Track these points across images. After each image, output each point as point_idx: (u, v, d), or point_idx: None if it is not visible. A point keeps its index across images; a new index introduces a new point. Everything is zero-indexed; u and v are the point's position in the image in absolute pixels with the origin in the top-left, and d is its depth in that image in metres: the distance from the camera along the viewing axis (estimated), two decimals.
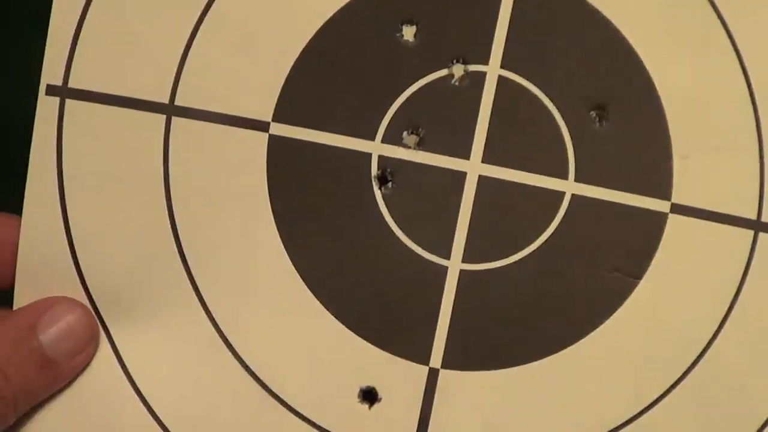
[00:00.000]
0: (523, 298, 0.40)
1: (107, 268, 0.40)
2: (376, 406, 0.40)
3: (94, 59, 0.40)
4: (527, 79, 0.40)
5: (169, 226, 0.40)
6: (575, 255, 0.40)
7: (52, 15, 0.40)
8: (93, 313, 0.40)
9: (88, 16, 0.40)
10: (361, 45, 0.40)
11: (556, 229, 0.40)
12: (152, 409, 0.40)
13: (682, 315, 0.40)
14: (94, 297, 0.40)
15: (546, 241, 0.40)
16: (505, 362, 0.40)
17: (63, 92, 0.40)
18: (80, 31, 0.39)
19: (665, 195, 0.40)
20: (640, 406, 0.40)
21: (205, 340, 0.40)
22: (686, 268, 0.40)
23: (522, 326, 0.40)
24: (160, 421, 0.40)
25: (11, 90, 0.46)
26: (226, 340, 0.40)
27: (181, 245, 0.40)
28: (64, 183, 0.40)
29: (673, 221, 0.40)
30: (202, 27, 0.40)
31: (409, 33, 0.40)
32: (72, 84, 0.40)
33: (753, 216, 0.40)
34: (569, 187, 0.40)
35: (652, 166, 0.40)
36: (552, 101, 0.40)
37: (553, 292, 0.40)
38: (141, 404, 0.40)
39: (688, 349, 0.40)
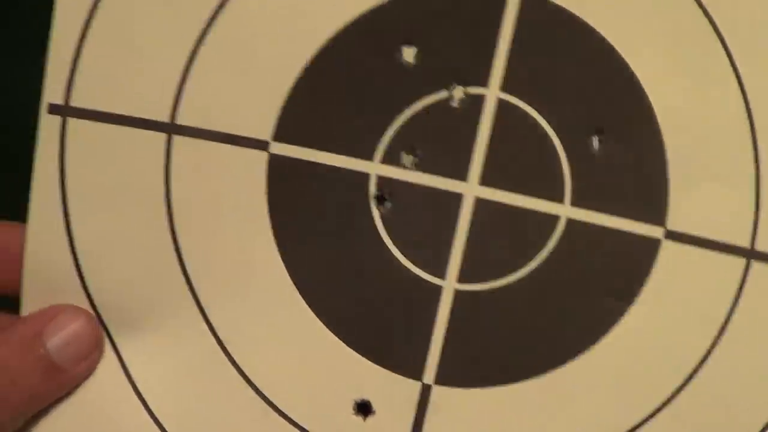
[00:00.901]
0: (517, 318, 0.41)
1: (111, 281, 0.41)
2: (370, 418, 0.41)
3: (95, 78, 0.40)
4: (526, 102, 0.40)
5: (171, 241, 0.41)
6: (569, 278, 0.41)
7: (52, 33, 0.40)
8: (97, 321, 0.41)
9: (88, 34, 0.40)
10: (360, 65, 0.40)
11: (551, 252, 0.41)
12: (156, 417, 0.41)
13: (672, 339, 0.41)
14: (98, 308, 0.41)
15: (541, 263, 0.41)
16: (497, 380, 0.41)
17: (65, 111, 0.40)
18: (81, 50, 0.39)
19: (660, 221, 0.40)
20: (628, 425, 0.41)
21: (207, 351, 0.41)
22: (678, 293, 0.41)
23: (514, 346, 0.41)
24: (164, 428, 0.41)
25: (11, 86, 0.46)
26: (227, 352, 0.41)
27: (182, 259, 0.41)
28: (68, 198, 0.40)
29: (667, 247, 0.41)
30: (202, 46, 0.40)
31: (408, 54, 0.40)
32: (73, 103, 0.40)
33: (746, 244, 0.40)
34: (565, 211, 0.40)
35: (648, 192, 0.40)
36: (550, 125, 0.40)
37: (547, 314, 0.41)
38: (145, 412, 0.41)
39: (676, 372, 0.41)
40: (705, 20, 0.40)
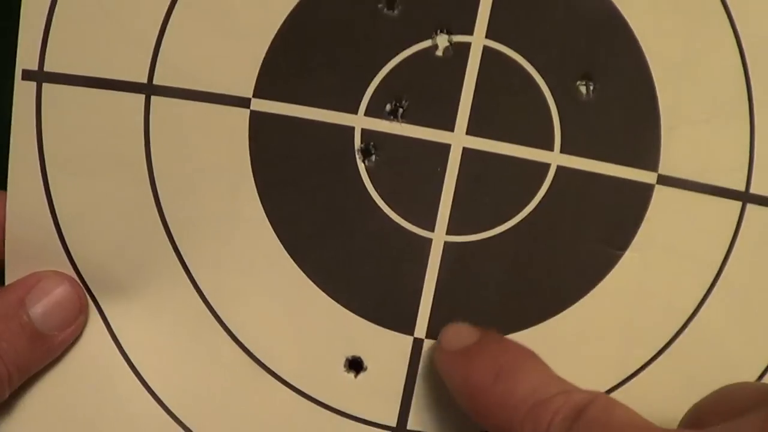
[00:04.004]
0: (508, 269, 0.40)
1: (94, 246, 0.40)
2: (362, 374, 0.41)
3: (69, 41, 0.39)
4: (513, 49, 0.39)
5: (154, 204, 0.40)
6: (560, 226, 0.40)
7: None
8: (81, 285, 0.41)
9: None
10: (342, 16, 0.39)
11: (541, 201, 0.40)
12: (144, 380, 0.41)
13: (667, 285, 0.40)
14: (82, 273, 0.40)
15: (531, 212, 0.40)
16: None
17: (39, 76, 0.39)
18: (53, 14, 0.38)
19: (652, 166, 0.40)
20: (625, 373, 0.41)
21: (194, 312, 0.41)
22: (672, 239, 0.40)
23: (506, 297, 0.40)
24: (152, 391, 0.41)
25: None
26: (214, 312, 0.41)
27: (166, 221, 0.40)
28: (47, 166, 0.39)
29: (660, 193, 0.40)
30: (178, 3, 0.39)
31: (391, 3, 0.39)
32: (48, 68, 0.39)
33: (741, 188, 0.40)
34: (555, 158, 0.40)
35: (639, 137, 0.39)
36: (538, 71, 0.39)
37: (538, 264, 0.40)
38: (133, 375, 0.41)
39: (672, 318, 0.40)
40: None
